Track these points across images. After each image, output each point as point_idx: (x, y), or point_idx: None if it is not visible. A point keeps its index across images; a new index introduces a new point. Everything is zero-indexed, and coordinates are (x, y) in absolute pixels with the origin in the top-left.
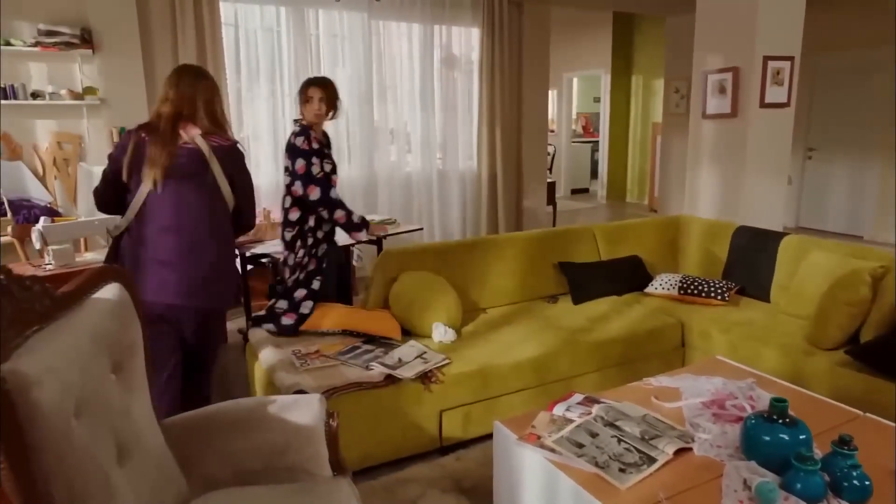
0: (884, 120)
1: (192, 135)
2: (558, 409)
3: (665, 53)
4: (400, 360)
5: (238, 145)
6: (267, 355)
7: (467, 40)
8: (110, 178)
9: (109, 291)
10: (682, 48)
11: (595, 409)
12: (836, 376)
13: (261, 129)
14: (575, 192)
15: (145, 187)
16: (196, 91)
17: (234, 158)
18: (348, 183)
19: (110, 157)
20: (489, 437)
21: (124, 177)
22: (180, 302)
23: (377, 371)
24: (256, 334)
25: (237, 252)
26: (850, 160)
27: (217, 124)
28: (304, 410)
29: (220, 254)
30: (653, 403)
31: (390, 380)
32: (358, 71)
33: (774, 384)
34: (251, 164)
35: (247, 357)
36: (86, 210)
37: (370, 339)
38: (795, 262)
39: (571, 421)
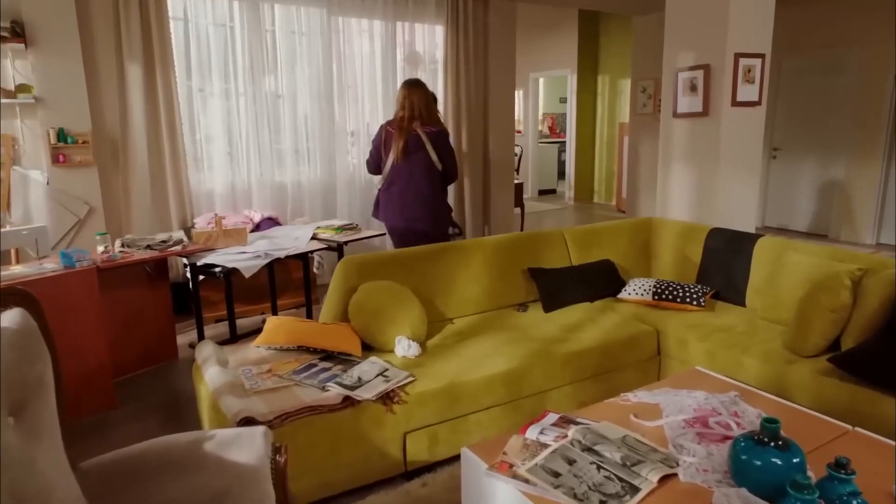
0: (848, 119)
1: (415, 127)
2: (531, 432)
3: (632, 53)
4: (359, 378)
5: (443, 131)
6: (213, 376)
7: (431, 37)
8: (374, 154)
9: (10, 318)
10: (650, 47)
11: (571, 432)
12: (819, 385)
13: (214, 129)
14: (542, 193)
15: (391, 159)
16: (417, 98)
17: (439, 139)
18: (308, 186)
19: (373, 142)
20: (457, 458)
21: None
22: (404, 225)
23: (334, 392)
24: (203, 351)
25: (440, 201)
26: (815, 160)
27: (431, 117)
28: (247, 447)
29: (430, 197)
30: (632, 422)
31: (348, 401)
32: (317, 69)
33: (758, 397)
34: (205, 167)
35: (194, 377)
36: (21, 217)
37: (328, 355)
38: (771, 264)
39: (546, 446)
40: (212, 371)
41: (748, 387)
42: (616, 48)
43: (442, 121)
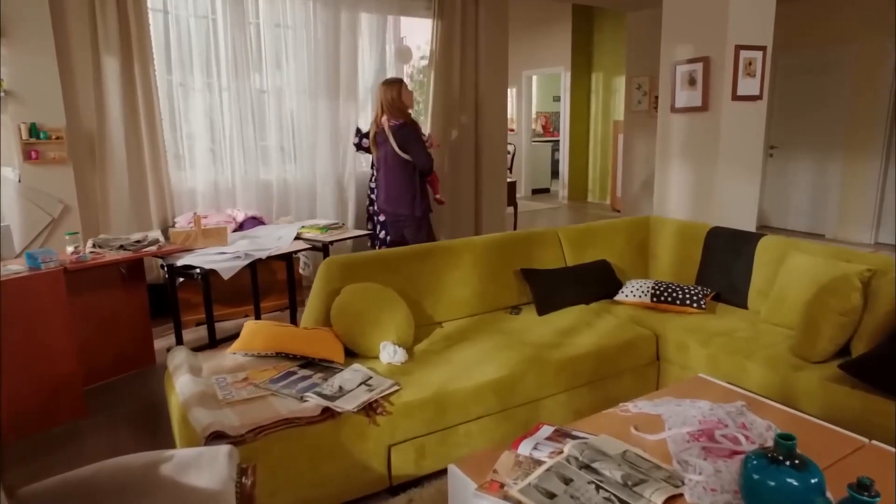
0: (845, 117)
1: (383, 121)
2: (524, 448)
3: (626, 50)
4: (341, 388)
5: (407, 123)
6: (184, 385)
7: (422, 32)
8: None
9: None
10: (644, 44)
11: (567, 447)
12: (829, 393)
13: (197, 126)
14: (536, 192)
15: (372, 149)
16: (382, 95)
17: (402, 131)
18: (293, 184)
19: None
20: (446, 471)
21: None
22: (384, 207)
23: (313, 403)
24: (175, 357)
25: (410, 188)
26: (812, 158)
27: (398, 111)
28: (209, 469)
29: (397, 185)
30: (632, 435)
31: (328, 413)
32: (303, 64)
33: (765, 407)
34: (187, 165)
35: (165, 386)
36: None
37: (308, 362)
38: (774, 265)
39: (540, 463)
40: (183, 380)
41: (754, 395)
42: (610, 45)
43: (410, 114)
